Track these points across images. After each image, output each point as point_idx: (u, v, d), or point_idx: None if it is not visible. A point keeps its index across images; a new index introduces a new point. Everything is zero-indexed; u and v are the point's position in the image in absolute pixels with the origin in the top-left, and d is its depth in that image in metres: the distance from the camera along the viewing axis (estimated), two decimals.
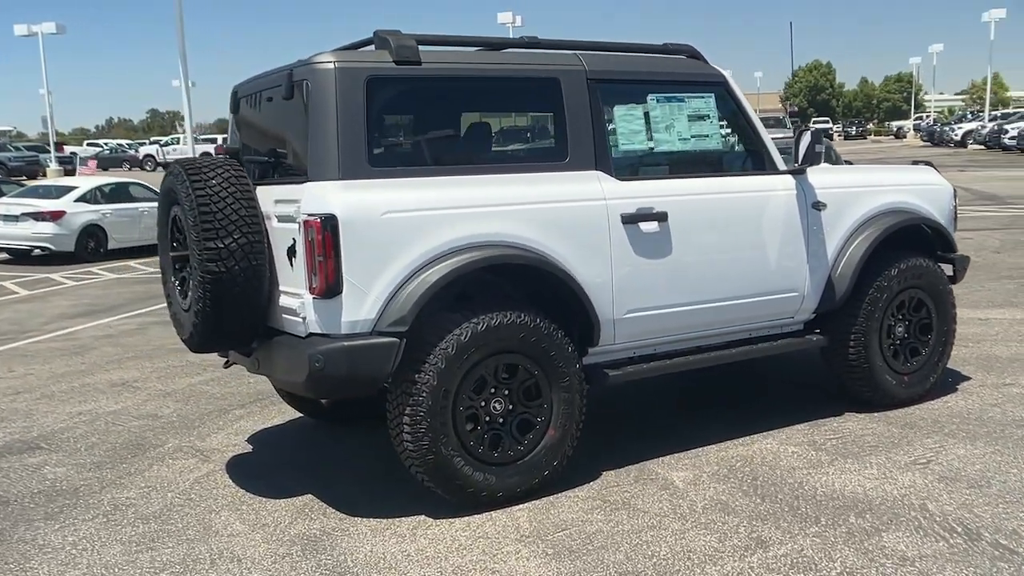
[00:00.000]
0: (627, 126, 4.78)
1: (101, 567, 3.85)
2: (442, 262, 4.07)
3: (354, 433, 5.54)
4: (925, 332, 5.60)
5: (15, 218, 15.25)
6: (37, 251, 15.43)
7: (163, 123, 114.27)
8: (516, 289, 4.46)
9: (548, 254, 4.31)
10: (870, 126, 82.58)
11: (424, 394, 4.03)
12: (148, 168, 50.04)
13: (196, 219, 4.13)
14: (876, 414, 5.40)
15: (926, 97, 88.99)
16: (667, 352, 4.89)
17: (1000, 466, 4.51)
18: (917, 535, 3.78)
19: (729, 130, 5.16)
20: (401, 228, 4.03)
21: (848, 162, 14.89)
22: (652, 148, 4.90)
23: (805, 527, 3.90)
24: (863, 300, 5.28)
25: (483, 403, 4.23)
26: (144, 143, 60.94)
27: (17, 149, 45.51)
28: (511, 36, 4.87)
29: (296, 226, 4.06)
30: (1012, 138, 36.67)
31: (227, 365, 5.13)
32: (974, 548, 3.65)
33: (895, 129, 72.00)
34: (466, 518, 4.16)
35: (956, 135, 46.35)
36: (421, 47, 4.27)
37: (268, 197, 4.32)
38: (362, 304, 3.99)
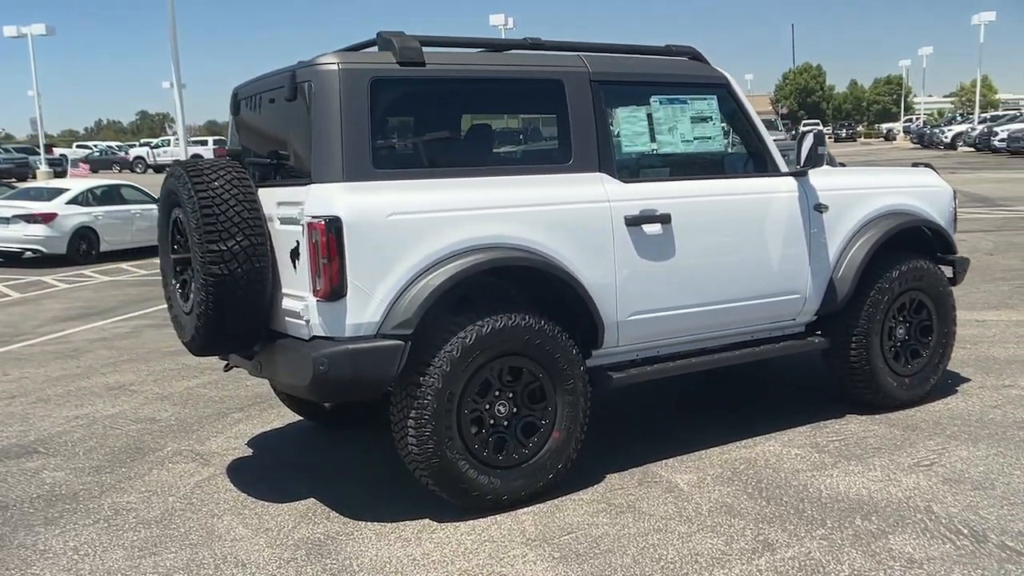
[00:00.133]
0: (630, 128, 4.78)
1: (104, 573, 3.81)
2: (447, 264, 4.05)
3: (354, 437, 5.51)
4: (925, 334, 5.61)
5: (6, 220, 15.15)
6: (28, 253, 15.33)
7: (152, 125, 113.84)
8: (519, 292, 4.45)
9: (552, 256, 4.29)
10: (860, 128, 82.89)
11: (429, 397, 4.01)
12: (138, 170, 49.89)
13: (199, 221, 4.09)
14: (877, 416, 5.40)
15: (915, 100, 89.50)
16: (670, 354, 4.88)
17: (1003, 468, 4.51)
18: (924, 537, 3.78)
19: (731, 132, 5.16)
20: (406, 230, 4.01)
21: (841, 164, 14.92)
22: (655, 150, 4.89)
23: (812, 529, 3.90)
24: (864, 302, 5.28)
25: (487, 406, 4.21)
26: (134, 145, 60.72)
27: (6, 151, 45.25)
28: (502, 39, 4.82)
29: (300, 228, 4.03)
30: (1002, 140, 36.84)
31: (227, 368, 5.10)
32: (981, 550, 3.65)
33: (885, 131, 72.32)
34: (471, 522, 4.14)
35: (946, 137, 46.56)
36: (424, 48, 4.25)
37: (270, 199, 4.29)
38: (366, 307, 3.96)
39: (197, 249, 4.12)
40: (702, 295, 4.79)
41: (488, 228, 4.17)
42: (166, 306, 4.79)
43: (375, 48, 4.34)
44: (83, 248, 15.51)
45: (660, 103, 4.82)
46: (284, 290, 4.25)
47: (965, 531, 3.82)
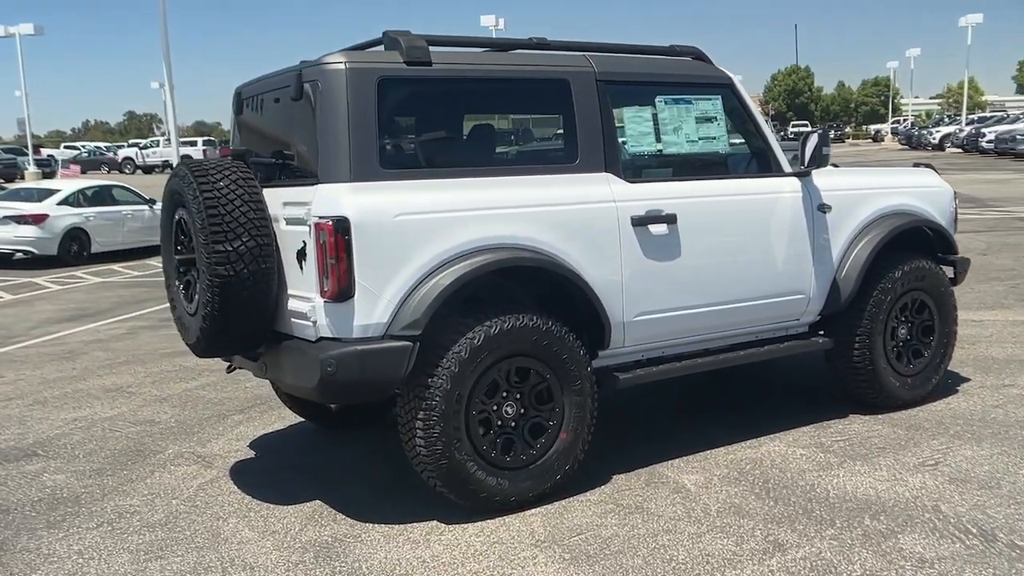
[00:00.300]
0: (636, 128, 4.77)
1: None
2: (455, 265, 4.04)
3: (356, 438, 5.49)
4: (927, 334, 5.63)
5: None
6: (19, 255, 15.21)
7: (140, 125, 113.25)
8: (525, 292, 4.44)
9: (560, 257, 4.28)
10: (848, 129, 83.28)
11: (437, 398, 3.99)
12: (127, 171, 49.65)
13: (204, 222, 4.06)
14: (880, 416, 5.41)
15: (902, 101, 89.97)
16: (674, 355, 4.88)
17: (1008, 467, 4.53)
18: (933, 537, 3.79)
19: (736, 132, 5.16)
20: (414, 231, 3.99)
21: (834, 164, 14.97)
22: (660, 150, 4.89)
23: (821, 529, 3.90)
24: (868, 302, 5.29)
25: (495, 407, 4.19)
26: (122, 145, 60.43)
27: None
28: (508, 38, 4.81)
29: (306, 229, 4.00)
30: (989, 141, 37.06)
31: (230, 370, 5.06)
32: (991, 549, 3.65)
33: (873, 133, 72.69)
34: (479, 523, 4.12)
35: (934, 138, 46.80)
36: (430, 48, 4.23)
37: (275, 199, 4.26)
38: (374, 307, 3.94)
39: (203, 250, 4.09)
40: (708, 295, 4.79)
41: (495, 228, 4.15)
42: (168, 307, 4.76)
43: (381, 47, 4.32)
44: (74, 249, 15.39)
45: (665, 103, 4.81)
46: (290, 291, 4.22)
47: (974, 530, 3.83)
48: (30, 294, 12.46)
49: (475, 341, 4.04)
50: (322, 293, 3.94)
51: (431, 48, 4.23)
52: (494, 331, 4.08)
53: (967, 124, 45.42)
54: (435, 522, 4.16)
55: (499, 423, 4.20)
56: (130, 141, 64.41)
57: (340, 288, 3.89)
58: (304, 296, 4.09)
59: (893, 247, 5.40)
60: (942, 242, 5.74)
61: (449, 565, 3.74)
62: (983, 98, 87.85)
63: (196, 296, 4.32)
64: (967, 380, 6.10)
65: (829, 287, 5.22)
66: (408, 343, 3.94)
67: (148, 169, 51.24)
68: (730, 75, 5.07)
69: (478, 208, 4.15)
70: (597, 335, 4.50)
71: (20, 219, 14.98)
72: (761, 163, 5.13)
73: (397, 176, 4.07)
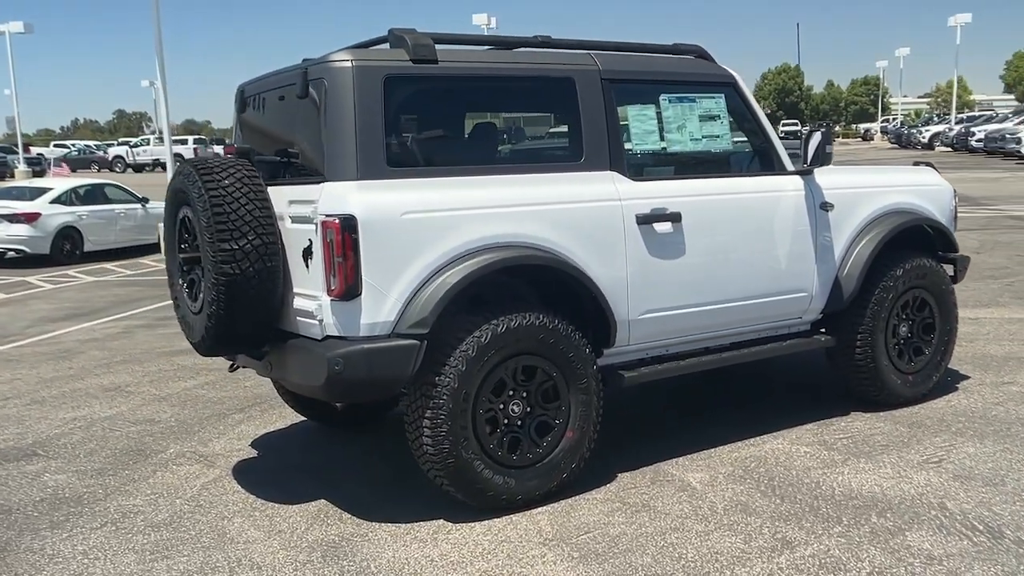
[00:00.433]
0: (640, 126, 4.77)
1: None
2: (462, 263, 4.03)
3: (358, 437, 5.47)
4: (928, 331, 5.65)
5: None
6: (11, 253, 15.11)
7: (130, 124, 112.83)
8: (530, 290, 4.44)
9: (566, 255, 4.28)
10: (837, 128, 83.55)
11: (445, 397, 3.98)
12: (118, 169, 49.40)
13: (210, 220, 4.04)
14: (882, 413, 5.43)
15: (891, 100, 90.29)
16: (678, 353, 4.88)
17: (1012, 464, 4.55)
18: (940, 534, 3.80)
19: (738, 130, 5.17)
20: (421, 229, 3.98)
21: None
22: (664, 148, 4.89)
23: (829, 527, 3.91)
24: (870, 300, 5.31)
25: (502, 406, 4.19)
26: (112, 144, 60.11)
27: None
28: (513, 36, 4.81)
29: (312, 227, 3.99)
30: (979, 140, 37.26)
31: (233, 369, 5.04)
32: (998, 546, 3.67)
33: (863, 132, 72.97)
34: (486, 522, 4.11)
35: (924, 137, 47.02)
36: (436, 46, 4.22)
37: (280, 198, 4.24)
38: (381, 306, 3.93)
39: (208, 248, 4.06)
40: (712, 293, 4.80)
41: (502, 227, 4.15)
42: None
43: (385, 45, 4.31)
44: (67, 248, 15.31)
45: (669, 101, 4.81)
46: (295, 289, 4.20)
47: (981, 527, 3.84)
48: (23, 293, 12.38)
49: (482, 339, 4.03)
50: (329, 291, 3.92)
51: (436, 46, 4.22)
52: (501, 329, 4.07)
53: (956, 123, 45.62)
54: (441, 521, 4.15)
55: (506, 422, 4.20)
56: (120, 139, 64.06)
57: (347, 286, 3.87)
58: (310, 294, 4.07)
59: (894, 245, 5.42)
60: (942, 240, 5.76)
61: (458, 564, 3.73)
62: (971, 97, 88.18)
63: (200, 295, 4.30)
64: (967, 378, 6.13)
65: (831, 285, 5.23)
66: (415, 341, 3.93)
67: (139, 168, 51.02)
68: (733, 73, 5.07)
69: (484, 206, 4.14)
70: (602, 333, 4.50)
71: (12, 217, 14.88)
72: (764, 161, 5.14)
73: (404, 174, 4.06)
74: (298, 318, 4.17)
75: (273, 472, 4.99)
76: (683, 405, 6.00)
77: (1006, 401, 5.59)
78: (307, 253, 4.08)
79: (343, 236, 3.84)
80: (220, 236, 4.02)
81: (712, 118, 4.93)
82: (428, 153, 4.43)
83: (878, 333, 5.36)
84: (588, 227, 4.38)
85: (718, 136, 4.96)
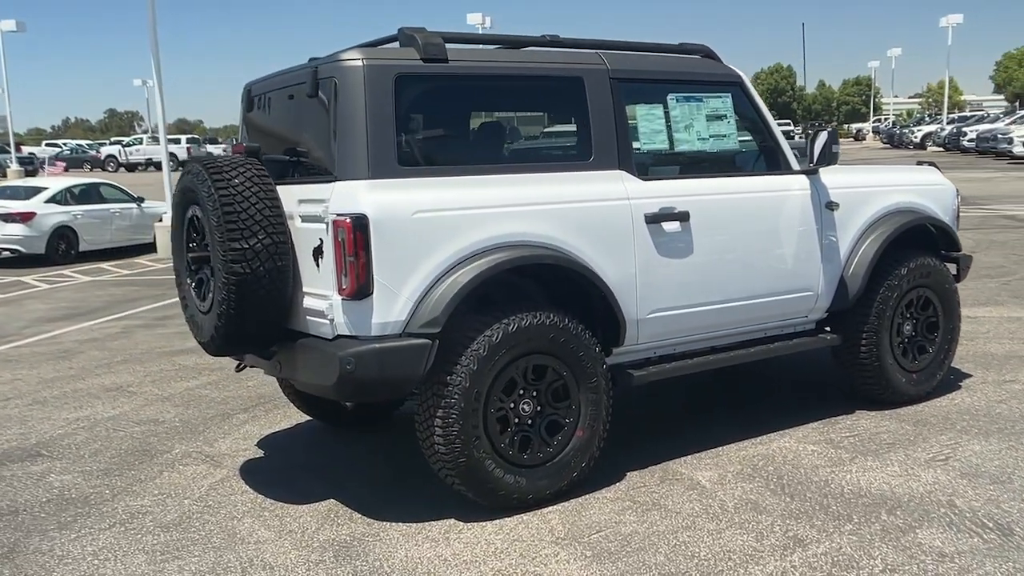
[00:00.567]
0: (648, 125, 4.78)
1: None
2: (473, 262, 4.03)
3: (364, 436, 5.46)
4: (931, 330, 5.68)
5: None
6: (6, 253, 15.04)
7: (122, 123, 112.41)
8: (539, 290, 4.44)
9: (575, 254, 4.28)
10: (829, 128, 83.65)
11: (456, 396, 3.98)
12: (110, 168, 49.18)
13: (220, 219, 4.03)
14: (887, 411, 5.45)
15: (883, 100, 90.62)
16: (685, 352, 4.89)
17: (1018, 462, 4.57)
18: (951, 531, 3.82)
19: (745, 129, 5.18)
20: (432, 228, 3.98)
21: None
22: (672, 148, 4.90)
23: (839, 525, 3.92)
24: (875, 299, 5.33)
25: (513, 405, 4.19)
26: (105, 143, 59.83)
27: None
28: (522, 36, 4.82)
29: (323, 226, 3.98)
30: (971, 140, 37.40)
31: (239, 368, 5.03)
32: (1009, 543, 3.69)
33: (855, 132, 73.14)
34: (498, 521, 4.11)
35: (915, 137, 47.22)
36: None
37: (290, 197, 4.23)
38: (393, 305, 3.93)
39: (218, 247, 4.05)
40: (720, 292, 4.81)
41: (512, 226, 4.15)
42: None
43: (395, 44, 4.31)
44: (62, 248, 15.25)
45: (677, 101, 4.82)
46: (305, 289, 4.20)
47: (990, 525, 3.86)
48: (18, 293, 12.32)
49: (494, 338, 4.04)
50: (340, 291, 3.92)
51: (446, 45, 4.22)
52: (512, 328, 4.08)
53: (948, 123, 45.80)
54: (452, 520, 4.15)
55: (516, 421, 4.20)
56: (112, 139, 63.77)
57: (358, 285, 3.87)
58: (321, 294, 4.06)
59: (898, 244, 5.44)
60: (945, 239, 5.79)
61: (471, 563, 3.73)
62: (962, 98, 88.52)
63: (209, 294, 4.29)
64: (969, 376, 6.16)
65: (837, 284, 5.25)
66: (427, 341, 3.93)
67: (131, 167, 50.79)
68: (740, 73, 5.09)
69: (494, 206, 4.14)
70: (612, 332, 4.50)
71: (7, 217, 14.81)
72: (770, 160, 5.16)
73: (414, 173, 4.06)
74: (308, 317, 4.16)
75: (280, 472, 4.98)
76: (686, 404, 6.01)
77: (1009, 399, 5.61)
78: (317, 252, 4.08)
79: (355, 235, 3.83)
80: (230, 235, 4.01)
81: (719, 117, 4.94)
82: (439, 152, 4.43)
83: (883, 331, 5.38)
84: (598, 226, 4.39)
85: (725, 135, 4.97)
